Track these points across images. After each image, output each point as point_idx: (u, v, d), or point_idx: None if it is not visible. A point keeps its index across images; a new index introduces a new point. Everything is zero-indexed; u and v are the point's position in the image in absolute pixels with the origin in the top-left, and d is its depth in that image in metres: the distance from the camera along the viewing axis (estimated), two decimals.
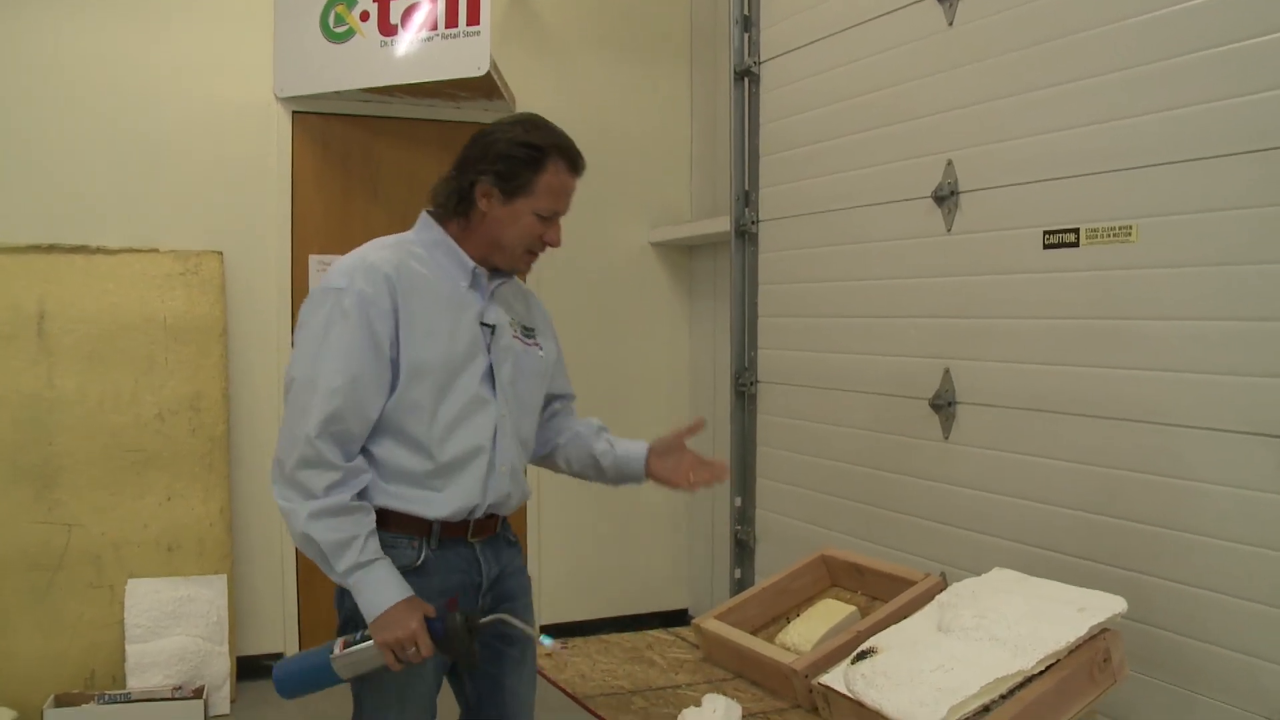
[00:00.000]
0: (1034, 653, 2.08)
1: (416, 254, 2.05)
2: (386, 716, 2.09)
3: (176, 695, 3.81)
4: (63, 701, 3.70)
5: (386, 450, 2.00)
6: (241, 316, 4.28)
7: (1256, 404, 2.29)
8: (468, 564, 2.10)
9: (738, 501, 4.20)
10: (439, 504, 2.02)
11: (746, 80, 4.12)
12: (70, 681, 3.85)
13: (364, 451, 2.00)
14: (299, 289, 4.36)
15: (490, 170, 2.02)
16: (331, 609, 4.64)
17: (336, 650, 1.98)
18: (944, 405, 3.12)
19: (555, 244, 2.11)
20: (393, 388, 1.98)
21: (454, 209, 2.07)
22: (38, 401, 3.90)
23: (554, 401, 2.35)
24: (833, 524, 3.63)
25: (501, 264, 2.11)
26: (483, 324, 2.08)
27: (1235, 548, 2.32)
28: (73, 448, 3.92)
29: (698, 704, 2.32)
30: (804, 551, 3.76)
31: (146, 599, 3.93)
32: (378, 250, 2.03)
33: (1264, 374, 2.28)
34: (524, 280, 2.28)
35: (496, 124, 2.10)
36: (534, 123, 2.08)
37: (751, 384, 4.13)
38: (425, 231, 2.11)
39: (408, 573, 2.00)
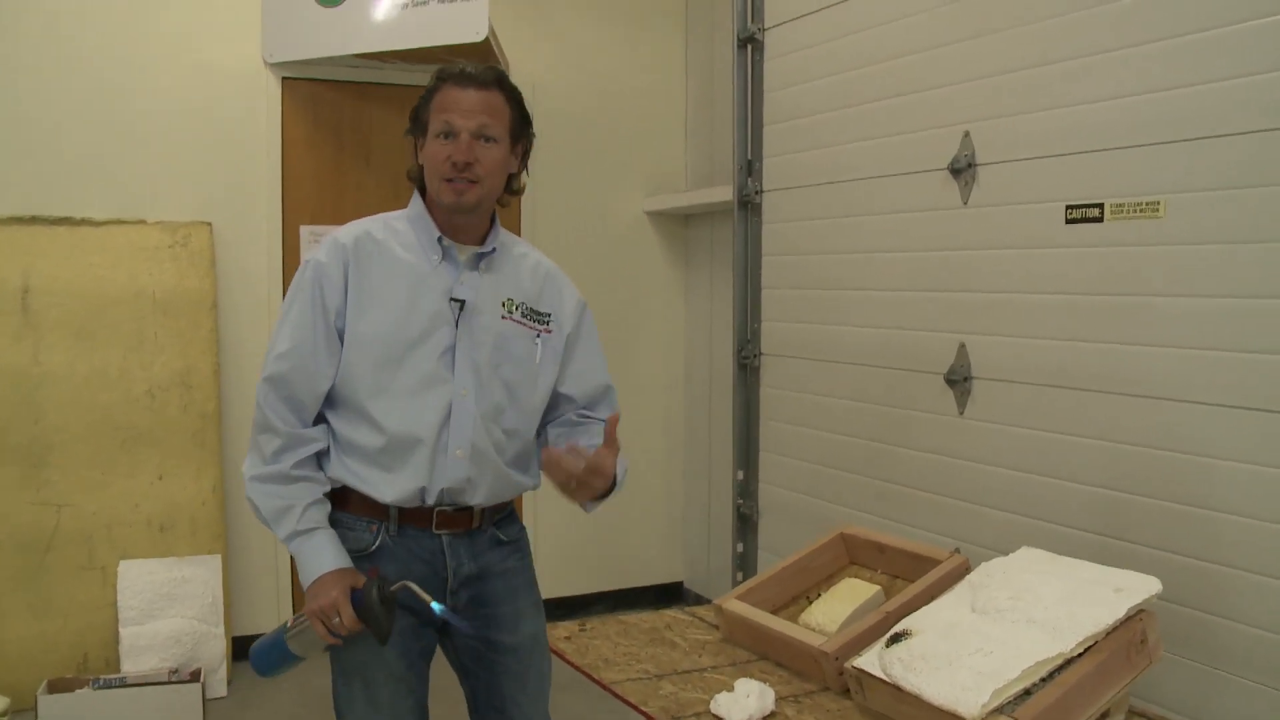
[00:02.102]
0: (1073, 635, 2.06)
1: (394, 228, 2.04)
2: (353, 708, 2.04)
3: (173, 679, 3.74)
4: (56, 687, 3.61)
5: (342, 422, 1.99)
6: (232, 289, 4.18)
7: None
8: (430, 555, 2.03)
9: (740, 475, 4.17)
10: (387, 486, 1.97)
11: (750, 47, 4.05)
12: (63, 666, 3.77)
13: (326, 423, 2.00)
14: (290, 260, 4.27)
15: (410, 126, 2.05)
16: None
17: (289, 625, 1.97)
18: (959, 380, 3.09)
19: (460, 159, 1.95)
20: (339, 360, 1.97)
21: (417, 178, 2.07)
22: (24, 378, 3.79)
23: (563, 405, 2.19)
24: (840, 498, 3.61)
25: (438, 207, 2.03)
26: (452, 299, 2.00)
27: (1260, 525, 2.31)
28: (61, 425, 3.82)
29: (726, 688, 2.29)
30: (808, 526, 3.76)
31: (140, 580, 3.85)
32: (351, 225, 2.05)
33: None
34: (460, 204, 2.02)
35: None
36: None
37: (755, 356, 4.09)
38: (412, 206, 2.09)
39: (361, 556, 1.97)
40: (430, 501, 1.99)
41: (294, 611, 4.25)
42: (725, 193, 4.26)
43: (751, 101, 4.07)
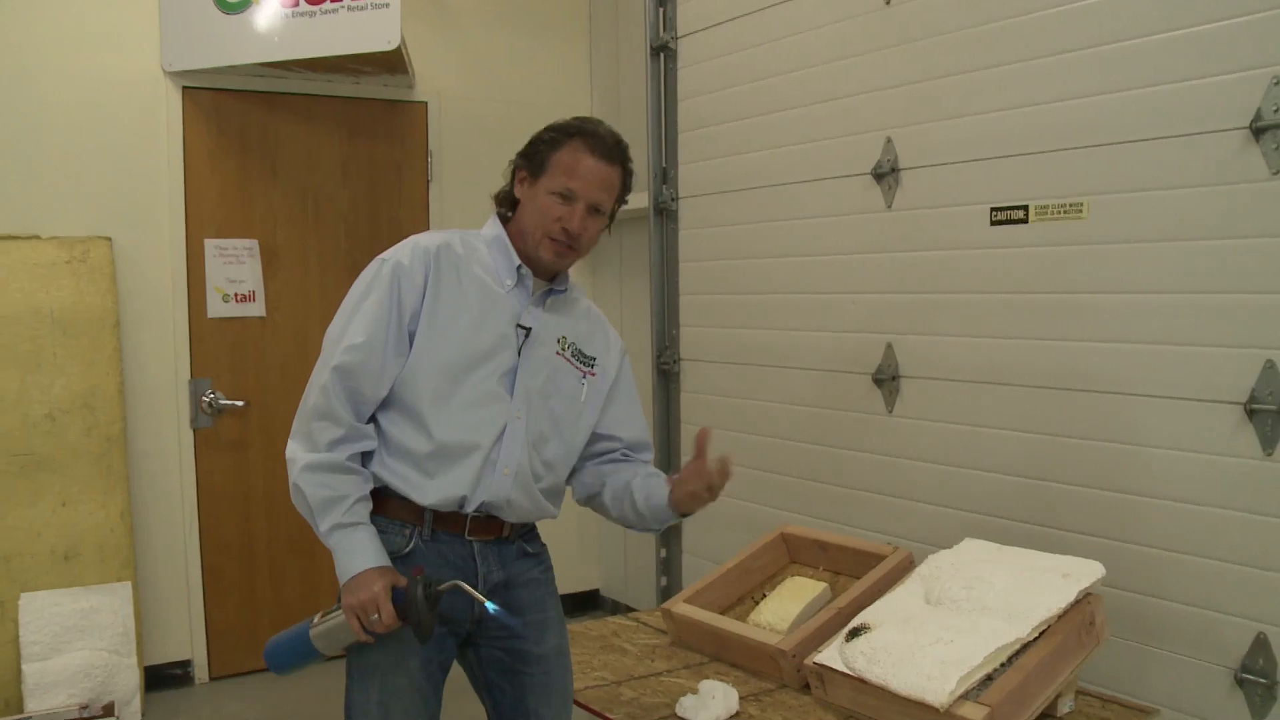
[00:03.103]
0: (1029, 620, 2.13)
1: (472, 245, 2.07)
2: (367, 713, 2.00)
3: (84, 715, 3.57)
4: None
5: (391, 422, 1.98)
6: (135, 306, 4.01)
7: (1208, 372, 2.38)
8: (462, 560, 2.02)
9: None
10: (430, 490, 1.97)
11: (663, 55, 4.08)
12: None
13: (374, 421, 1.99)
14: (195, 275, 4.12)
15: (521, 153, 2.07)
16: (238, 613, 4.43)
17: (315, 621, 1.95)
18: (887, 379, 3.16)
19: (573, 229, 1.99)
20: (407, 360, 1.97)
21: (505, 203, 2.10)
22: None
23: (606, 443, 2.20)
24: (769, 500, 3.65)
25: (530, 254, 2.04)
26: (519, 325, 2.03)
27: (1193, 509, 2.42)
28: None
29: (686, 691, 2.31)
30: (736, 528, 3.80)
31: (44, 613, 3.66)
32: (433, 234, 2.06)
33: (1215, 344, 2.37)
34: (556, 265, 2.06)
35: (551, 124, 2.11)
36: (577, 118, 2.08)
37: (674, 362, 4.12)
38: (490, 228, 2.11)
39: (395, 559, 1.95)
40: (469, 510, 2.00)
41: (207, 636, 4.14)
42: (635, 200, 4.20)
43: (665, 109, 4.10)
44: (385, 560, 1.91)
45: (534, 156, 2.03)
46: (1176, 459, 2.46)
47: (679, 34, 4.01)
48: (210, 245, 4.15)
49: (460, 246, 2.04)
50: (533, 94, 4.85)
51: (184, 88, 4.07)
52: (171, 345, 4.08)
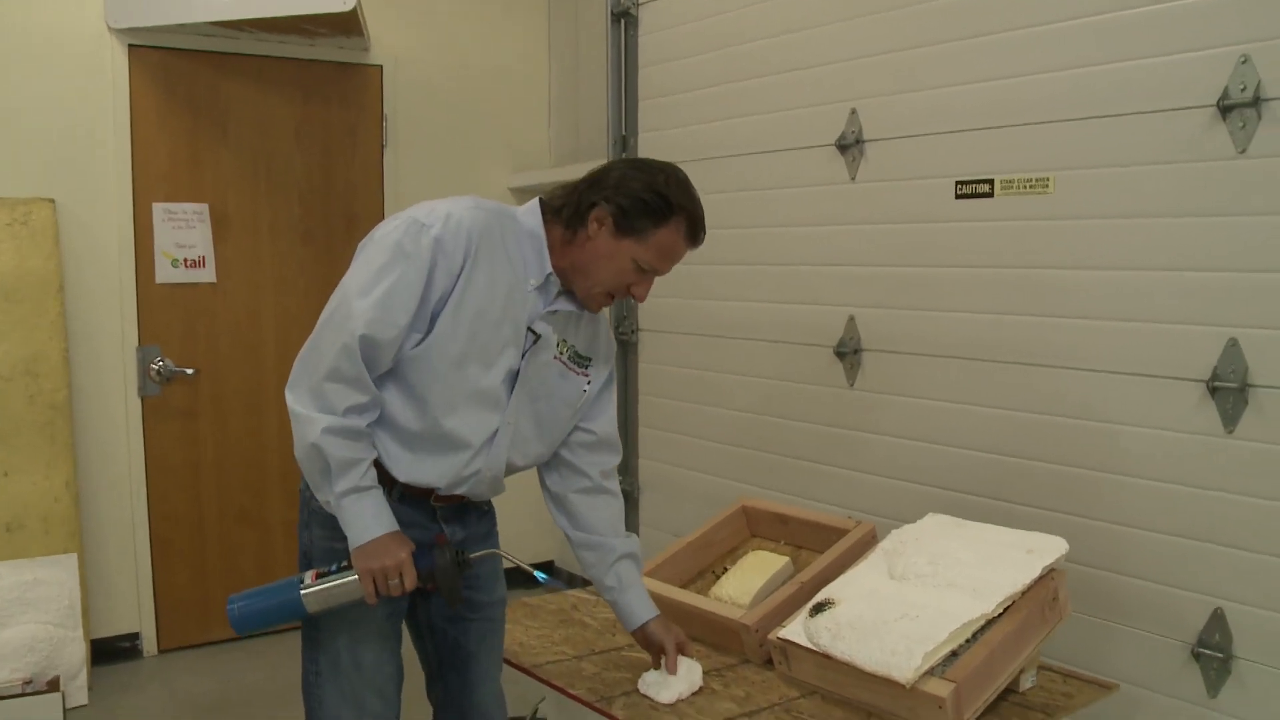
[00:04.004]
0: (993, 596, 2.13)
1: (510, 228, 1.98)
2: (337, 665, 2.02)
3: (28, 690, 3.48)
4: None
5: (388, 394, 1.94)
6: (80, 270, 3.89)
7: (1171, 349, 2.39)
8: (427, 520, 2.04)
9: None
10: (406, 468, 1.97)
11: (624, 22, 4.01)
12: None
13: None
14: (142, 239, 4.01)
15: (615, 201, 1.93)
16: (188, 584, 4.34)
17: (307, 580, 1.91)
18: (849, 353, 3.15)
19: (640, 299, 2.02)
20: (421, 340, 1.91)
21: (564, 216, 1.98)
22: None
23: (579, 433, 2.19)
24: (727, 472, 3.64)
25: (577, 291, 2.00)
26: (529, 329, 1.98)
27: (1154, 485, 2.44)
28: None
29: (647, 666, 2.29)
30: (694, 500, 3.79)
31: None
32: (474, 209, 1.94)
33: (1179, 321, 2.38)
34: (595, 309, 2.09)
35: (648, 162, 2.03)
36: (679, 180, 1.99)
37: (633, 332, 4.08)
38: (529, 216, 2.01)
39: None
40: (439, 492, 2.02)
41: (155, 608, 4.05)
42: (595, 166, 4.21)
43: (626, 76, 4.04)
44: (396, 525, 1.90)
45: (631, 216, 1.93)
46: (1138, 435, 2.47)
47: (640, 1, 3.95)
48: (159, 209, 4.03)
49: (499, 232, 1.95)
50: (490, 59, 4.76)
51: (130, 45, 3.93)
52: (119, 311, 3.97)
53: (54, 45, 3.83)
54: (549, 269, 1.98)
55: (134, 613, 4.09)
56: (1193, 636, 2.37)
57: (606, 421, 2.22)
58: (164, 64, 4.02)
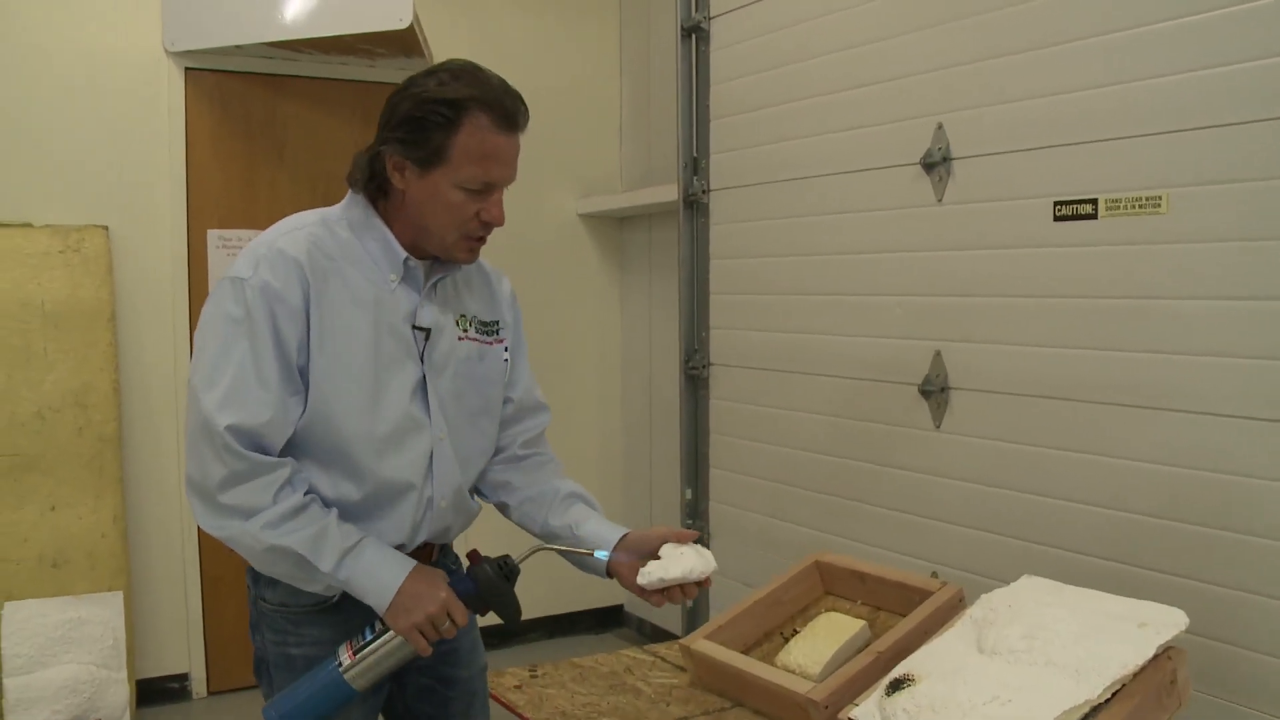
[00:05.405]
0: (1099, 679, 1.84)
1: (339, 236, 1.72)
2: None
3: None
4: None
5: (313, 478, 1.69)
6: (132, 299, 3.82)
7: None
8: None
9: (688, 494, 3.92)
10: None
11: (694, 37, 3.81)
12: None
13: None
14: (197, 267, 3.93)
15: (396, 137, 1.66)
16: (239, 622, 4.22)
17: (345, 660, 1.68)
18: (935, 391, 2.88)
19: (496, 222, 1.72)
20: (304, 409, 1.65)
21: (368, 185, 1.73)
22: None
23: (507, 404, 1.97)
24: (803, 519, 3.39)
25: (436, 252, 1.75)
26: (415, 327, 1.74)
27: None
28: None
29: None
30: (767, 548, 3.54)
31: (29, 624, 3.47)
32: (291, 232, 1.69)
33: None
34: (470, 261, 1.81)
35: (412, 78, 1.72)
36: (453, 72, 1.69)
37: (703, 367, 3.85)
38: (353, 209, 1.76)
39: (320, 611, 1.75)
40: (408, 550, 1.79)
41: (205, 647, 3.94)
42: (666, 192, 4.03)
43: (697, 94, 3.84)
44: (411, 561, 1.69)
45: (421, 143, 1.65)
46: (1268, 489, 2.16)
47: (712, 14, 3.75)
48: (213, 236, 3.95)
49: (329, 242, 1.69)
50: (558, 78, 4.61)
51: (187, 69, 3.88)
52: (171, 341, 3.88)
53: (110, 69, 3.79)
54: (403, 254, 1.72)
55: (183, 652, 3.98)
56: None
57: (523, 387, 1.97)
58: (221, 86, 3.95)
